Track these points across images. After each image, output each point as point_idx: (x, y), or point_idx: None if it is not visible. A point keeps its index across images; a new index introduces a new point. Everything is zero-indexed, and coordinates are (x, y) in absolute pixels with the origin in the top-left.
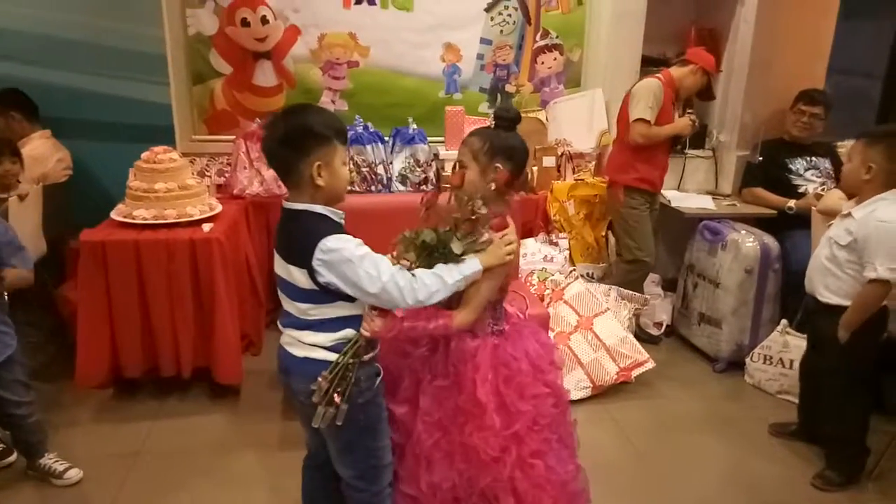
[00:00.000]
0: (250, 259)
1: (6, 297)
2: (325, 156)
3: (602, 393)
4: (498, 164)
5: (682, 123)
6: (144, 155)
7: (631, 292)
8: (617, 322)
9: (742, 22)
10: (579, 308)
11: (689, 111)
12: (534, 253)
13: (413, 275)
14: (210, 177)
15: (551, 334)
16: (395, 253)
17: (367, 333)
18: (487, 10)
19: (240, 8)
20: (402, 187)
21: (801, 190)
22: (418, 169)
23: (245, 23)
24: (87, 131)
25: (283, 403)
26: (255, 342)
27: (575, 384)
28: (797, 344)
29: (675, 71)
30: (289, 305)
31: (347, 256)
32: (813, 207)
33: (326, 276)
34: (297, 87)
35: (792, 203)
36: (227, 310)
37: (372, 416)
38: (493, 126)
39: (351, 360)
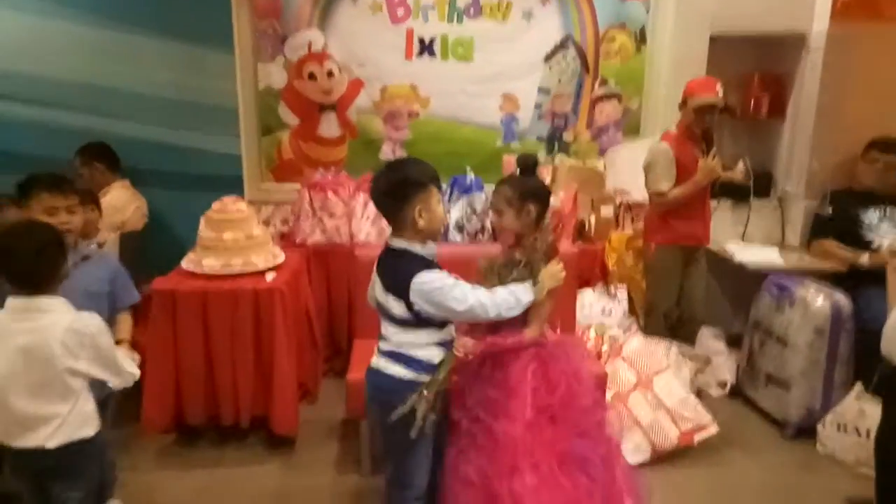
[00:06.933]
0: (310, 307)
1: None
2: (424, 200)
3: (662, 458)
4: (530, 206)
5: (699, 176)
6: (215, 205)
7: (693, 349)
8: (678, 381)
9: (808, 69)
10: (638, 365)
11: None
12: (592, 305)
13: (493, 293)
14: (275, 225)
15: (609, 394)
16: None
17: (460, 353)
18: (546, 59)
19: (307, 62)
20: (458, 236)
21: (874, 244)
22: (475, 218)
23: (312, 76)
24: (163, 181)
25: (338, 456)
26: (312, 391)
27: (634, 447)
28: (874, 412)
29: (678, 122)
30: (385, 328)
31: (438, 286)
32: (889, 264)
33: (419, 304)
34: (360, 138)
35: (865, 258)
36: (286, 360)
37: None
38: (517, 172)
39: (443, 379)
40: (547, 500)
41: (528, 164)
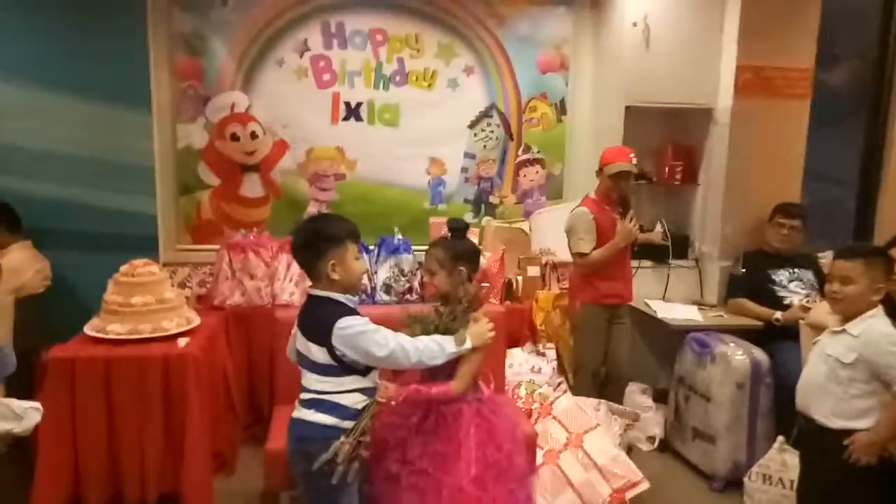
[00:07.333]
0: (228, 372)
1: None
2: (339, 255)
3: None
4: (461, 267)
5: (618, 238)
6: (123, 268)
7: (621, 406)
8: (608, 438)
9: (715, 140)
10: (568, 424)
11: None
12: (521, 364)
13: (416, 340)
14: (191, 288)
15: (540, 453)
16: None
17: (382, 399)
18: (471, 126)
19: (230, 123)
20: (385, 297)
21: (786, 301)
22: (402, 279)
23: (234, 137)
24: (72, 242)
25: None
26: (229, 461)
27: None
28: (796, 463)
29: (596, 188)
30: (306, 379)
31: (360, 330)
32: (801, 320)
33: (342, 350)
34: (284, 199)
35: (779, 315)
36: (199, 429)
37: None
38: (449, 236)
39: (365, 425)
40: None
41: (459, 227)
